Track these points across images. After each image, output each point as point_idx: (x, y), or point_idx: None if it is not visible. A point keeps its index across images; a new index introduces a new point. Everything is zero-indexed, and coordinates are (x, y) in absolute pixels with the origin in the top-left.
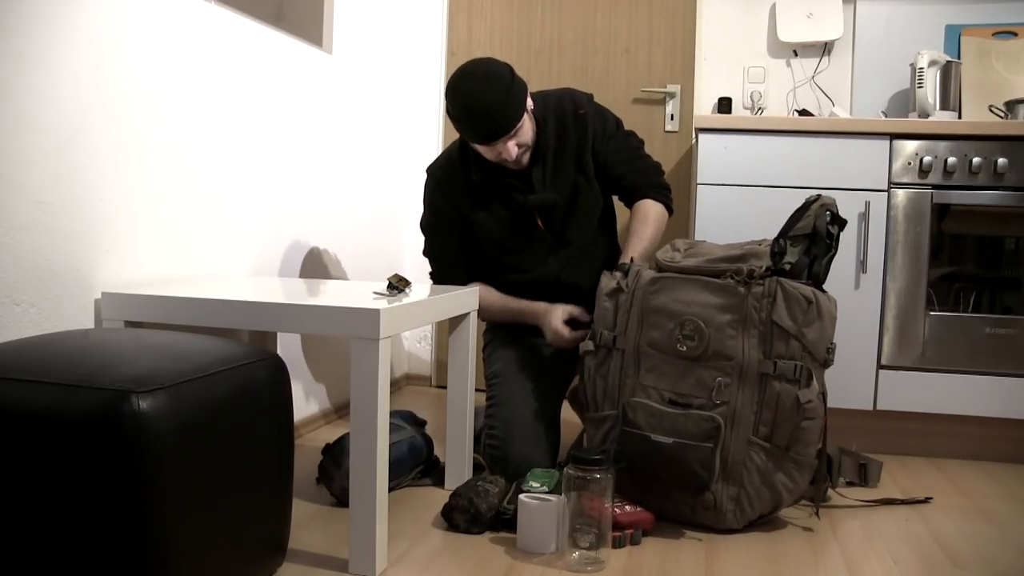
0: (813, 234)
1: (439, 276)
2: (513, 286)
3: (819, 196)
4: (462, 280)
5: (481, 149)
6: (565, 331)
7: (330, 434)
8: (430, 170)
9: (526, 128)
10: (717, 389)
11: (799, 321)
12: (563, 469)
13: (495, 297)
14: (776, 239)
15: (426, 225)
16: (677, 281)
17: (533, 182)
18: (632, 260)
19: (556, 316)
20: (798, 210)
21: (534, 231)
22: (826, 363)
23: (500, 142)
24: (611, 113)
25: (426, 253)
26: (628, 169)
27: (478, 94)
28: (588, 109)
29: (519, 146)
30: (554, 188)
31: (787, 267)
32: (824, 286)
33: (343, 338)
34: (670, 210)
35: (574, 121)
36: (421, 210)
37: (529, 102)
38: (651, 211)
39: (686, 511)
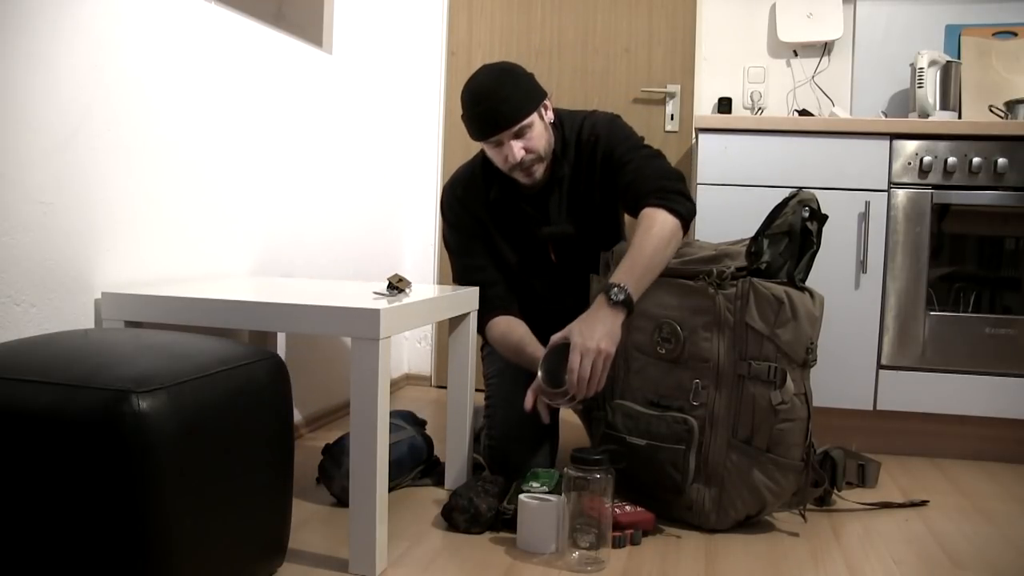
0: (790, 232)
1: (486, 302)
2: (522, 309)
3: (798, 192)
4: (492, 303)
5: (489, 152)
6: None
7: (330, 434)
8: (449, 185)
9: (537, 133)
10: (695, 391)
11: (771, 322)
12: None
13: (515, 335)
14: (753, 238)
15: (454, 244)
16: (655, 284)
17: (549, 211)
18: (620, 286)
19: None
20: (776, 208)
21: (546, 262)
22: (806, 364)
23: (504, 138)
24: (627, 133)
25: (454, 271)
26: (634, 177)
27: (485, 82)
28: (601, 133)
29: (527, 151)
30: (569, 218)
31: (763, 267)
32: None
33: (343, 338)
34: (680, 216)
35: (588, 148)
36: (442, 232)
37: (549, 115)
38: (645, 222)
39: (671, 511)
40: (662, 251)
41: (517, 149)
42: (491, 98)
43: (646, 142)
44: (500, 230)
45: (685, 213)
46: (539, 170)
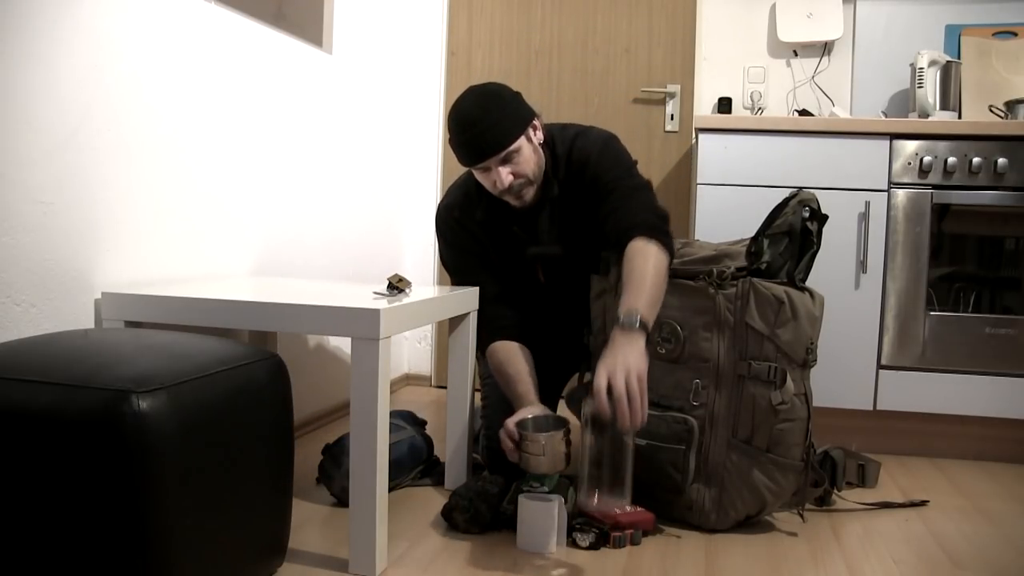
0: (791, 232)
1: (488, 322)
2: None
3: (798, 192)
4: (493, 325)
5: (478, 176)
6: (506, 431)
7: (330, 434)
8: (445, 208)
9: (525, 157)
10: (695, 391)
11: (771, 322)
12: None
13: (512, 367)
14: (753, 238)
15: (450, 263)
16: None
17: (539, 231)
18: (630, 310)
19: (511, 418)
20: (776, 208)
21: (535, 281)
22: (806, 364)
23: (492, 164)
24: (618, 159)
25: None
26: (619, 205)
27: (470, 108)
28: (592, 154)
29: (515, 176)
30: (558, 238)
31: (763, 267)
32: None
33: (343, 338)
34: (669, 254)
35: (578, 168)
36: (438, 251)
37: (539, 136)
38: (640, 252)
39: (671, 511)
40: (662, 280)
41: (505, 175)
42: (477, 125)
43: (646, 179)
44: (491, 249)
45: (672, 252)
46: (529, 193)
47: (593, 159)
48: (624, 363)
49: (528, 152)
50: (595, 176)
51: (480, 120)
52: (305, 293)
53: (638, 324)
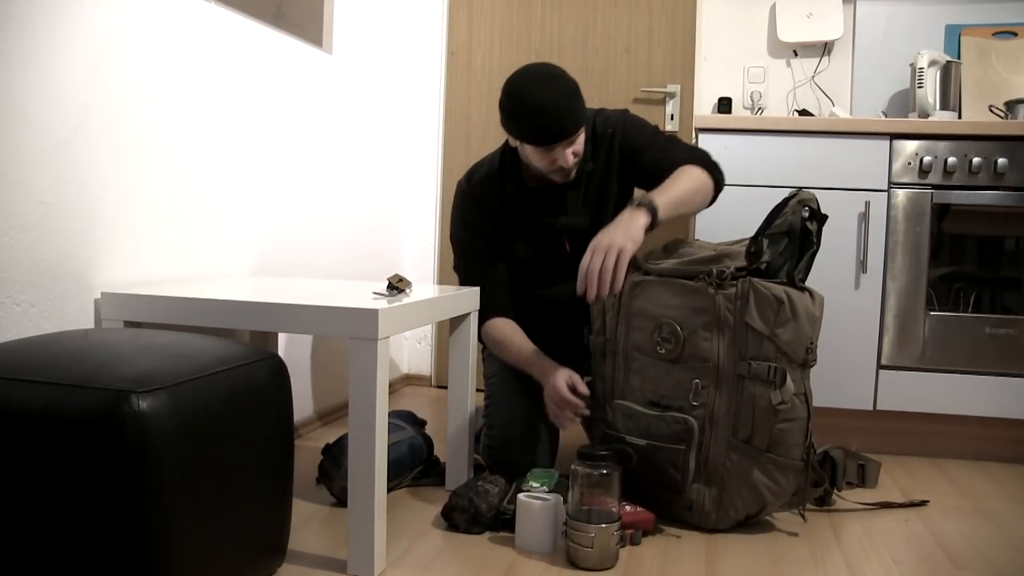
0: (790, 231)
1: (485, 303)
2: (534, 301)
3: (797, 192)
4: (492, 304)
5: (534, 156)
6: (564, 391)
7: (330, 434)
8: (470, 182)
9: (583, 139)
10: (695, 391)
11: (771, 322)
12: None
13: (518, 338)
14: (752, 238)
15: (458, 240)
16: (655, 284)
17: (567, 204)
18: (645, 195)
19: (560, 376)
20: (776, 208)
21: (560, 253)
22: (805, 363)
23: (560, 146)
24: (642, 123)
25: (457, 268)
26: (662, 155)
27: (545, 93)
28: (616, 127)
29: (575, 155)
30: (587, 210)
31: (763, 267)
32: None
33: (342, 338)
34: (714, 176)
35: (606, 142)
36: (451, 223)
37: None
38: (683, 171)
39: (671, 511)
40: (692, 191)
41: (569, 154)
42: (553, 111)
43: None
44: (515, 224)
45: (719, 176)
46: (575, 171)
47: (620, 129)
48: (610, 240)
49: (583, 136)
50: (627, 142)
51: (556, 106)
52: (304, 293)
53: (647, 204)
